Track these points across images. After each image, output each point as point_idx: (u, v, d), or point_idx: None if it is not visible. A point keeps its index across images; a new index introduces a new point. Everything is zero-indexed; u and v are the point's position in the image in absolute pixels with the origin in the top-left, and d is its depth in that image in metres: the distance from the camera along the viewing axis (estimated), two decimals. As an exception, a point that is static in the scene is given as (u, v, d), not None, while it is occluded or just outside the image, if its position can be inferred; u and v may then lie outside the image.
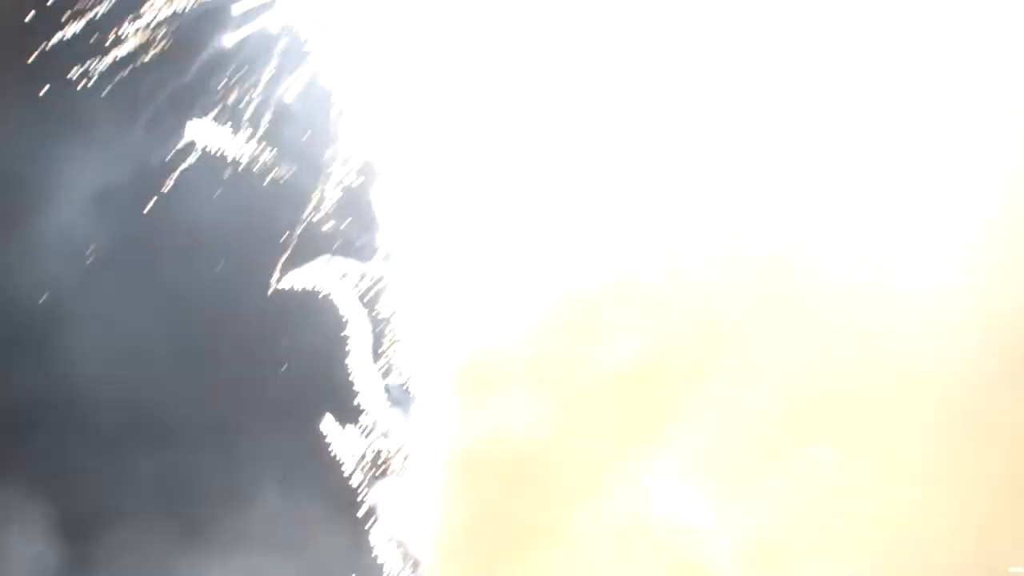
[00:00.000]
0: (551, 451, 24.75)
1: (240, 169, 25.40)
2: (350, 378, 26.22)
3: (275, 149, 25.53)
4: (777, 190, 23.92)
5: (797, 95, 23.89)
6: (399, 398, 26.30)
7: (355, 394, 26.20)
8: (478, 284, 25.33)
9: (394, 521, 26.22)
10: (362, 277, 26.04)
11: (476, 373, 25.20)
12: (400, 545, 26.14)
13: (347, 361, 26.24)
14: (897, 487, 23.53)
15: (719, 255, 24.17)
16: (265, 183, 25.47)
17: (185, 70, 24.73)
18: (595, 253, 24.72)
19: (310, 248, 25.84)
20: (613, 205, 24.70)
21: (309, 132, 25.55)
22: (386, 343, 26.24)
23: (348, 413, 26.18)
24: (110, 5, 24.66)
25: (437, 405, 25.78)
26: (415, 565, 26.12)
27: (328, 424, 26.18)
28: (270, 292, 25.84)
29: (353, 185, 25.76)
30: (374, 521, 26.19)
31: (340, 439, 26.22)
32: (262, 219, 25.36)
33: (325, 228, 25.74)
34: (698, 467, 24.48)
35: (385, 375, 26.26)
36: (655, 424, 24.56)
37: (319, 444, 26.07)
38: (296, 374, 26.16)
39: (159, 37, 24.75)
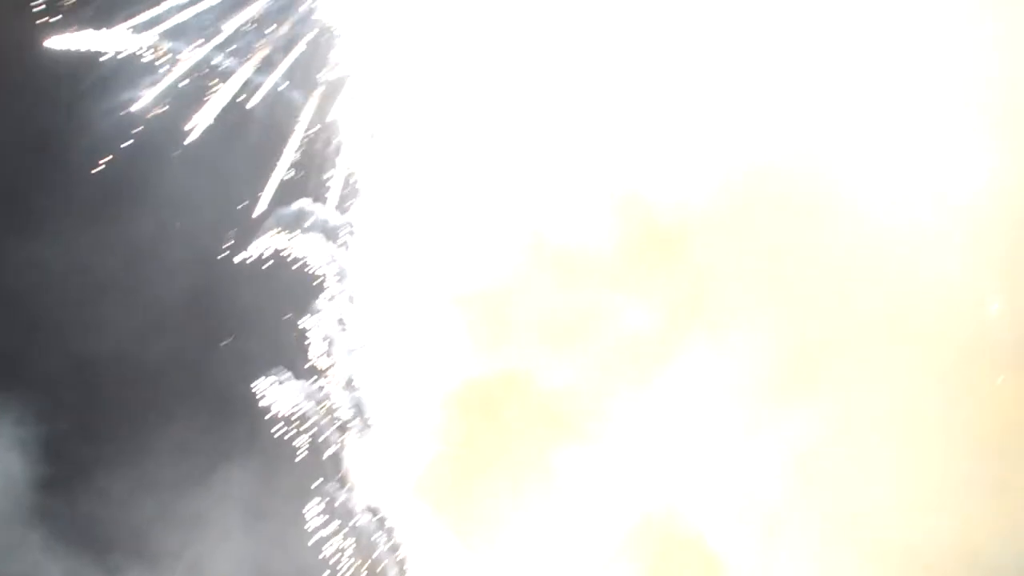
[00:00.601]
0: (549, 393, 24.74)
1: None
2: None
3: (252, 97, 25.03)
4: (796, 134, 23.79)
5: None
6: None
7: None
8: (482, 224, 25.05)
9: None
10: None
11: (476, 314, 24.96)
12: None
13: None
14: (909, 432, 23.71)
15: (736, 200, 24.09)
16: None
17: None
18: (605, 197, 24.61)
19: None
20: (626, 148, 24.51)
21: (287, 83, 25.02)
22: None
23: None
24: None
25: (430, 345, 25.31)
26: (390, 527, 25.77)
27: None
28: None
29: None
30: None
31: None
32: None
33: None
34: (700, 417, 24.61)
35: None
36: (658, 370, 24.65)
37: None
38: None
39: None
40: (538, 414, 24.75)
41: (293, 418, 25.75)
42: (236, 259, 25.26)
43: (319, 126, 24.95)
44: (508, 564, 25.10)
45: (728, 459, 24.52)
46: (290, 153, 24.94)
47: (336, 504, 25.73)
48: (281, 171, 24.93)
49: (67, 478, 25.43)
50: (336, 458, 25.82)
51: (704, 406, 24.58)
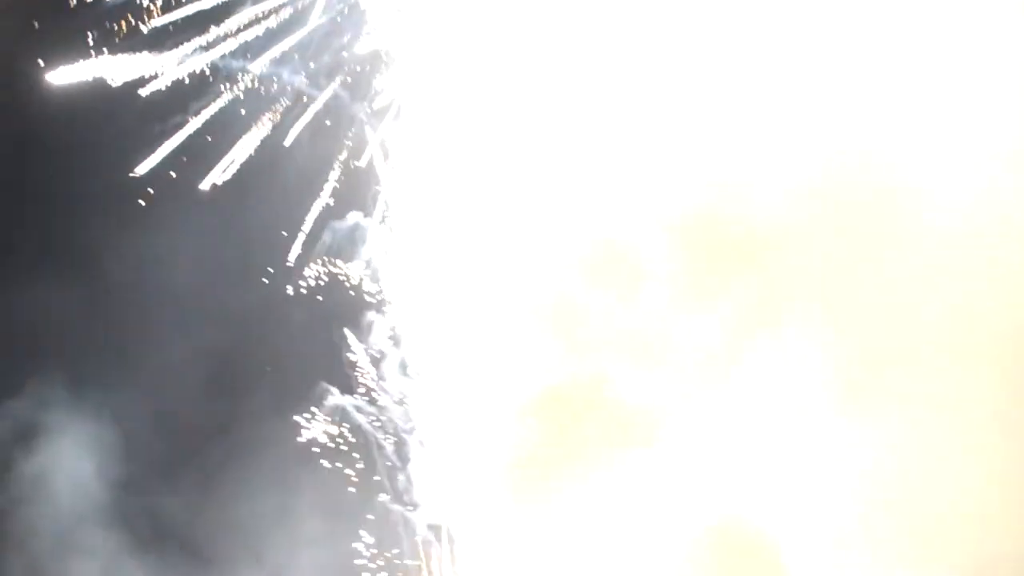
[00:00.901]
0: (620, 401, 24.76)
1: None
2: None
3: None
4: (864, 147, 23.54)
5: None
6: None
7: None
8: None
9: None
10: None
11: (549, 325, 25.00)
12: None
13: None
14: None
15: (807, 212, 23.85)
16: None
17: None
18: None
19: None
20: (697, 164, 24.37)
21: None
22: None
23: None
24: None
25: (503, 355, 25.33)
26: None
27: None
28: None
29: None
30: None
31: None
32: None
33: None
34: (771, 425, 24.45)
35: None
36: (730, 379, 24.58)
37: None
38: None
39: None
40: (611, 421, 24.74)
41: (353, 436, 25.87)
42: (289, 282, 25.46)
43: (370, 146, 24.99)
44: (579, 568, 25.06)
45: (800, 469, 24.29)
46: (336, 175, 25.00)
47: (396, 522, 25.85)
48: (328, 191, 25.00)
49: (141, 480, 25.94)
50: (396, 475, 25.91)
51: (775, 415, 24.41)
